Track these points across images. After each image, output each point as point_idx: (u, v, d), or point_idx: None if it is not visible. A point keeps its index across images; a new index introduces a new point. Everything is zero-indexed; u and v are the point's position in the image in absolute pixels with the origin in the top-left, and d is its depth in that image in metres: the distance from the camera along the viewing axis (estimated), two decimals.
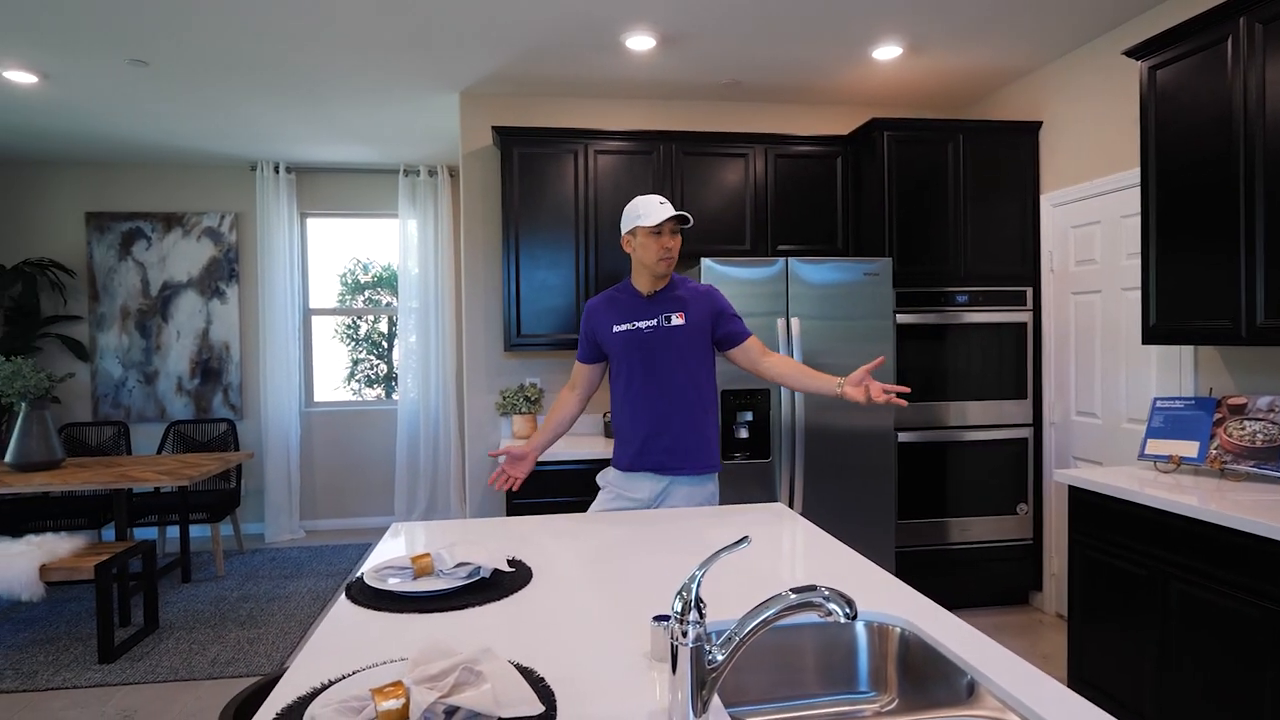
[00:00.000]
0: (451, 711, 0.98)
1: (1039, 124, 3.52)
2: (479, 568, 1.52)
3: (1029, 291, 3.55)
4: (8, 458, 3.62)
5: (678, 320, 2.26)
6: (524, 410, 3.57)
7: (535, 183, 3.51)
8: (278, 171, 5.00)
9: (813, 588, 1.02)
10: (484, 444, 3.75)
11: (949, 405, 3.50)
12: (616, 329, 2.30)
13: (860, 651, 1.37)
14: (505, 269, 3.50)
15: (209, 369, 5.05)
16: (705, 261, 3.13)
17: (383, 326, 5.76)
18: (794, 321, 3.16)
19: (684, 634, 1.02)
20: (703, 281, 3.10)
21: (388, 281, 5.72)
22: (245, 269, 5.12)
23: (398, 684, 1.00)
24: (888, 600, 1.40)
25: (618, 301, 2.34)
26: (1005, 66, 3.52)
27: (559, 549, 1.79)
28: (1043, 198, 3.53)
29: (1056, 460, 3.49)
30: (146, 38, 3.01)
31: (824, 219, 3.70)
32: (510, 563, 1.63)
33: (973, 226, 3.49)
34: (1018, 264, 3.54)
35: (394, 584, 1.49)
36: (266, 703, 1.07)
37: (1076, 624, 2.56)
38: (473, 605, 1.42)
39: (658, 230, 2.21)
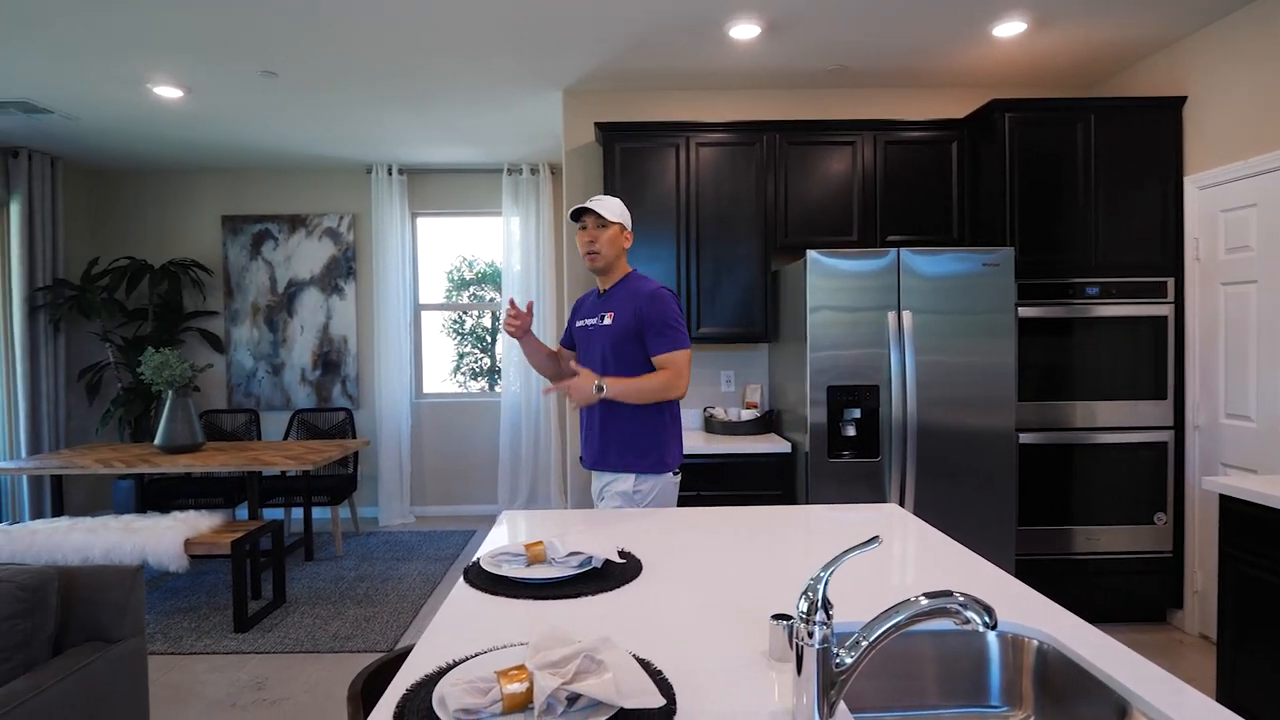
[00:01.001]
0: (574, 698, 0.98)
1: (1182, 99, 3.22)
2: (590, 557, 1.53)
3: (1170, 282, 3.26)
4: (156, 440, 3.96)
5: (607, 320, 2.26)
6: None
7: (636, 177, 3.52)
8: (390, 173, 5.23)
9: (948, 593, 0.96)
10: None
11: (1075, 405, 3.27)
12: (576, 324, 2.42)
13: (992, 663, 1.28)
14: None
15: (329, 361, 5.35)
16: (811, 254, 3.05)
17: (486, 321, 5.94)
18: (905, 315, 3.03)
19: (810, 635, 0.98)
20: (809, 275, 3.03)
21: (491, 277, 5.89)
22: (361, 266, 5.39)
23: (521, 668, 1.02)
24: (1022, 610, 1.31)
25: (589, 298, 2.42)
26: (1143, 38, 3.24)
27: (665, 543, 1.78)
28: (1187, 180, 3.23)
29: (1202, 467, 3.20)
30: (277, 50, 3.21)
31: (937, 208, 3.53)
32: (620, 554, 1.63)
33: (1105, 212, 3.24)
34: (1156, 252, 3.26)
35: (508, 570, 1.52)
36: (397, 677, 1.10)
37: (1227, 647, 2.34)
38: (585, 594, 1.43)
39: (581, 225, 2.25)
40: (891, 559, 1.62)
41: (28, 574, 1.87)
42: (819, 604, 0.98)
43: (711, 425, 3.59)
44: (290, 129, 4.36)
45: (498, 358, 5.95)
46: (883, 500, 3.08)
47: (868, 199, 3.52)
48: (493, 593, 1.44)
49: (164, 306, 5.14)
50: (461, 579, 1.53)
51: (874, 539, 0.99)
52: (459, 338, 5.93)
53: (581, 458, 2.40)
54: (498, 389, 5.86)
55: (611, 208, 2.23)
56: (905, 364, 3.04)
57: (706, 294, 3.52)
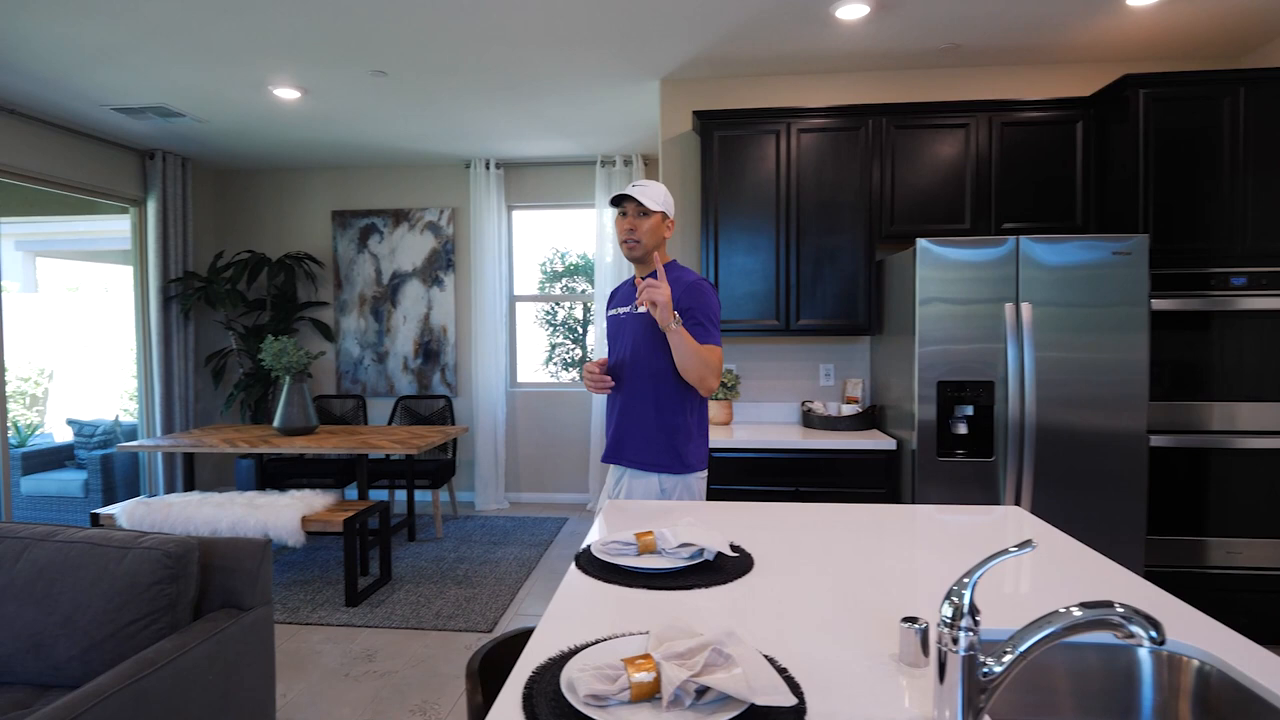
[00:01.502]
0: (702, 691, 0.96)
1: None
2: (702, 549, 1.51)
3: None
4: (275, 423, 4.20)
5: (643, 307, 2.14)
6: (720, 396, 3.55)
7: (735, 166, 3.47)
8: (488, 168, 5.35)
9: (1108, 604, 0.89)
10: None
11: (1213, 406, 3.01)
12: (609, 313, 2.35)
13: (1143, 682, 1.19)
14: (704, 255, 3.49)
15: (429, 350, 5.55)
16: (921, 243, 2.92)
17: (578, 313, 6.01)
18: (1025, 308, 2.87)
19: (954, 641, 0.93)
20: (919, 265, 2.91)
21: (583, 269, 5.95)
22: (460, 259, 5.55)
23: (647, 657, 1.01)
24: (1176, 626, 1.20)
25: (624, 287, 2.36)
26: None
27: (773, 538, 1.74)
28: None
29: None
30: (387, 50, 3.32)
31: (1058, 192, 3.32)
32: (732, 548, 1.60)
33: (1256, 196, 2.96)
34: None
35: (620, 558, 1.52)
36: (521, 659, 1.12)
37: None
38: (697, 586, 1.41)
39: (622, 211, 2.19)
40: (1020, 565, 1.53)
41: (174, 543, 2.01)
42: (965, 609, 0.93)
43: (810, 420, 3.50)
44: (396, 126, 4.53)
45: (588, 349, 6.01)
46: (995, 503, 2.93)
47: (981, 184, 3.34)
48: (605, 580, 1.45)
49: (280, 297, 5.45)
50: (573, 565, 1.54)
51: (1027, 543, 0.93)
52: (551, 328, 6.02)
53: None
54: (575, 376, 5.91)
55: (655, 195, 2.17)
56: (1024, 359, 2.87)
57: (806, 285, 3.44)
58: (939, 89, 3.66)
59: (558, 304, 5.94)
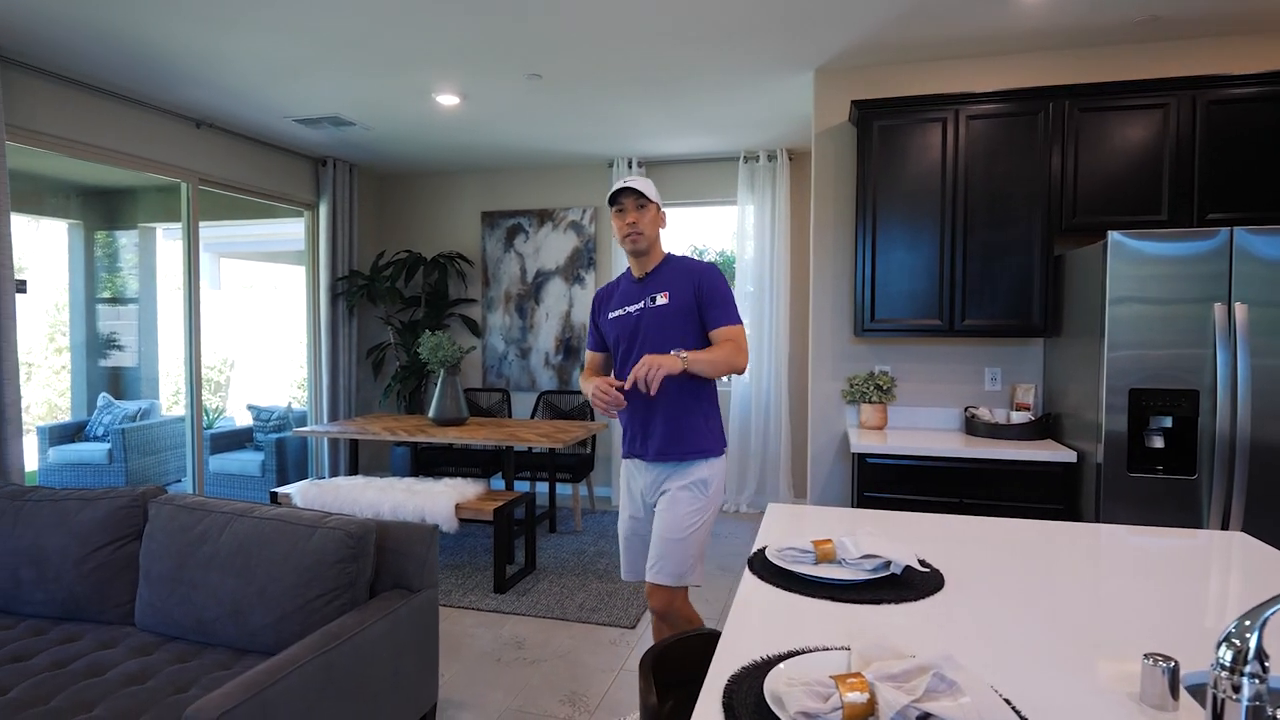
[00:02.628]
0: (923, 718, 0.88)
1: None
2: (889, 562, 1.42)
3: None
4: (429, 414, 4.42)
5: (662, 300, 2.19)
6: (874, 399, 3.38)
7: (895, 156, 3.28)
8: (630, 166, 5.40)
9: None
10: (828, 433, 3.64)
11: None
12: (611, 315, 2.28)
13: None
14: (860, 251, 3.33)
15: (570, 346, 5.67)
16: (1114, 236, 2.64)
17: None
18: (1238, 309, 2.53)
19: (1235, 689, 0.80)
20: (1110, 261, 2.64)
21: (723, 267, 5.89)
22: (600, 257, 5.63)
23: (859, 677, 0.93)
24: None
25: (618, 288, 2.33)
26: None
27: (955, 551, 1.61)
28: None
29: None
30: (543, 52, 3.40)
31: (1277, 179, 2.91)
32: (920, 562, 1.49)
33: None
34: None
35: (798, 566, 1.45)
36: (713, 669, 1.07)
37: None
38: (887, 602, 1.32)
39: (619, 207, 2.20)
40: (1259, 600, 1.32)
41: (355, 524, 2.14)
42: (1252, 652, 0.80)
43: (974, 427, 3.27)
44: (544, 128, 4.65)
45: None
46: (1196, 525, 2.60)
47: (1182, 170, 2.99)
48: (784, 587, 1.39)
49: (433, 294, 5.75)
50: (748, 571, 1.48)
51: None
52: None
53: (625, 449, 2.33)
54: (726, 379, 5.86)
55: (649, 187, 2.21)
56: (1236, 367, 2.54)
57: (973, 283, 3.20)
58: (1130, 67, 3.30)
59: None
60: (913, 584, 1.40)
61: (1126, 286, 2.63)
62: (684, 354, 2.04)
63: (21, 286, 3.52)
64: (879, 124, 3.29)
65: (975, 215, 3.20)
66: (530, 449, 5.06)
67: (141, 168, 4.16)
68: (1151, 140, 3.02)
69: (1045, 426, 3.17)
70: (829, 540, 1.49)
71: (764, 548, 1.58)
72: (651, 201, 2.21)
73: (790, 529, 1.77)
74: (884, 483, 3.05)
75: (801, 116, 4.37)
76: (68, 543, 2.37)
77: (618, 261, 5.44)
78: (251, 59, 3.52)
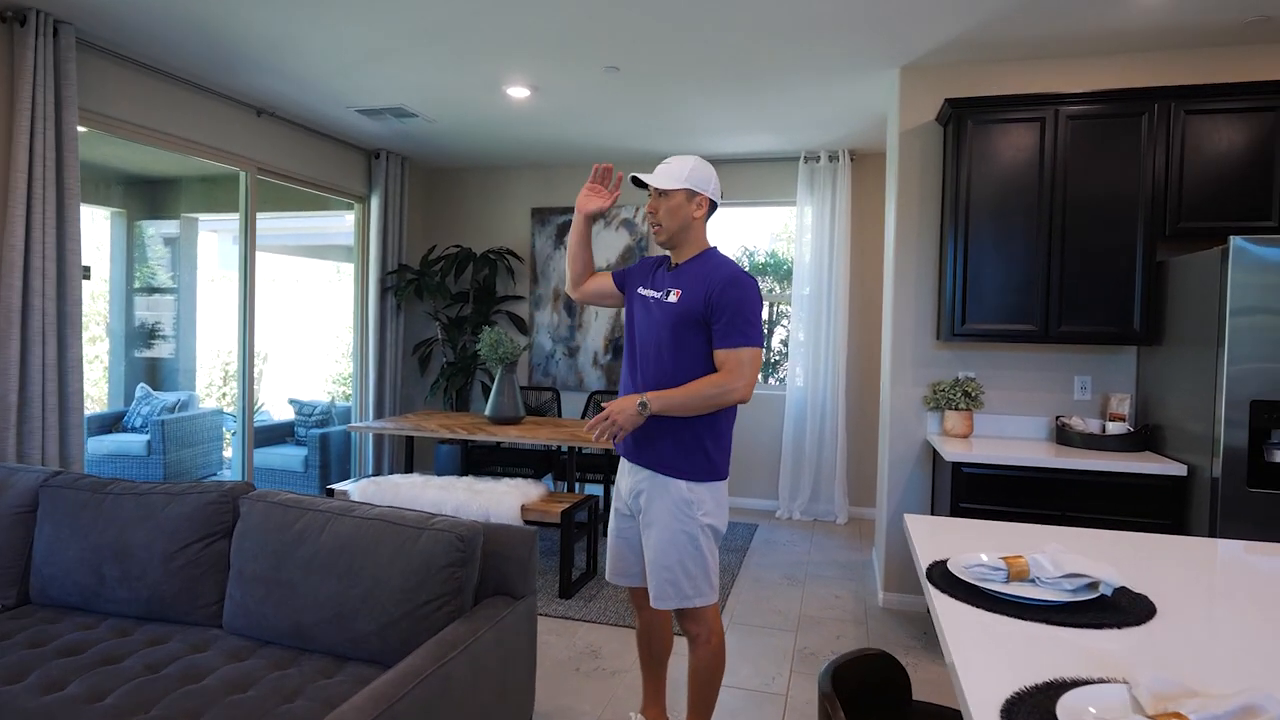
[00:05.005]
0: None
1: None
2: (1096, 582, 1.31)
3: None
4: (486, 412, 4.33)
5: (672, 297, 2.01)
6: (961, 406, 3.27)
7: (988, 157, 3.18)
8: None
9: None
10: (906, 440, 3.53)
11: None
12: (639, 289, 2.15)
13: None
14: (950, 254, 3.23)
15: (619, 347, 5.58)
16: (1236, 242, 2.53)
17: (763, 313, 5.85)
18: None
19: None
20: (1231, 268, 2.52)
21: (772, 268, 5.79)
22: (652, 255, 5.53)
23: (1178, 716, 0.84)
24: None
25: (658, 269, 2.16)
26: None
27: (1144, 570, 1.51)
28: None
29: None
30: (623, 44, 3.31)
31: None
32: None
33: None
34: None
35: (989, 584, 1.35)
36: (971, 698, 0.97)
37: None
38: (1107, 626, 1.21)
39: (648, 194, 2.07)
40: None
41: (464, 526, 2.04)
42: None
43: (1067, 437, 3.15)
44: (607, 123, 4.56)
45: (772, 350, 5.85)
46: None
47: None
48: (982, 607, 1.28)
49: (481, 290, 5.66)
50: (932, 587, 1.38)
51: None
52: None
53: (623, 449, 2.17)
54: (771, 381, 5.76)
55: (672, 172, 2.01)
56: None
57: (1069, 288, 3.09)
58: (1235, 69, 3.19)
59: None
60: (1121, 607, 1.29)
61: (1251, 296, 2.52)
62: (646, 398, 1.93)
63: (86, 273, 3.45)
64: (973, 123, 3.19)
65: (1073, 218, 3.09)
66: (580, 449, 4.96)
67: (203, 154, 4.09)
68: (1262, 143, 2.91)
69: (1144, 438, 3.05)
70: (1020, 556, 1.39)
71: (941, 561, 1.48)
72: (672, 189, 2.00)
73: (950, 541, 1.67)
74: (982, 493, 2.94)
75: (871, 116, 4.27)
76: (154, 539, 2.28)
77: None
78: (324, 47, 3.44)
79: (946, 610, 1.28)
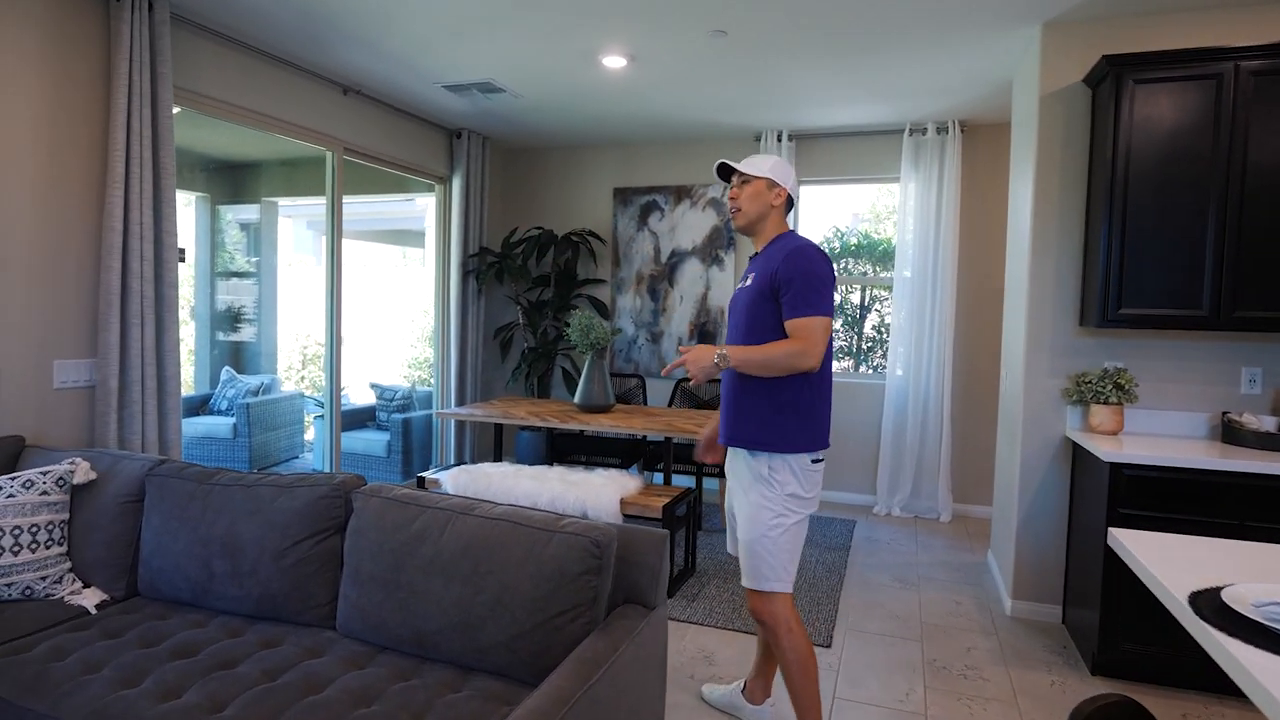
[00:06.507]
0: None
1: None
2: None
3: None
4: (576, 399, 4.17)
5: (749, 280, 2.14)
6: (1111, 400, 2.95)
7: (1151, 120, 2.83)
8: (780, 140, 5.02)
9: None
10: (1041, 436, 3.22)
11: None
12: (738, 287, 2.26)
13: None
14: (1104, 231, 2.89)
15: (705, 332, 5.35)
16: None
17: (855, 298, 5.54)
18: None
19: None
20: None
21: (866, 249, 5.47)
22: (740, 237, 5.28)
23: None
24: None
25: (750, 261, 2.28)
26: None
27: None
28: None
29: None
30: (735, 6, 3.05)
31: None
32: None
33: None
34: None
35: None
36: None
37: None
38: None
39: (728, 184, 2.21)
40: None
41: (597, 531, 1.86)
42: None
43: (1238, 436, 2.81)
44: (703, 95, 4.30)
45: (864, 335, 5.54)
46: None
47: None
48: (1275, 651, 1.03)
49: (561, 274, 5.50)
50: (1210, 626, 1.13)
51: None
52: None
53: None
54: (862, 369, 5.46)
55: (757, 163, 2.15)
56: None
57: (1247, 270, 2.73)
58: None
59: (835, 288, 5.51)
60: None
61: None
62: (723, 351, 2.01)
63: (181, 255, 3.40)
64: (1135, 83, 2.83)
65: (1253, 189, 2.72)
66: (670, 439, 4.76)
67: (292, 134, 4.00)
68: None
69: None
70: None
71: (1209, 591, 1.22)
72: (755, 177, 2.14)
73: (1191, 563, 1.40)
74: (1145, 499, 2.63)
75: (989, 82, 3.92)
76: (264, 533, 2.18)
77: None
78: (417, 19, 3.29)
79: (1253, 662, 1.03)
